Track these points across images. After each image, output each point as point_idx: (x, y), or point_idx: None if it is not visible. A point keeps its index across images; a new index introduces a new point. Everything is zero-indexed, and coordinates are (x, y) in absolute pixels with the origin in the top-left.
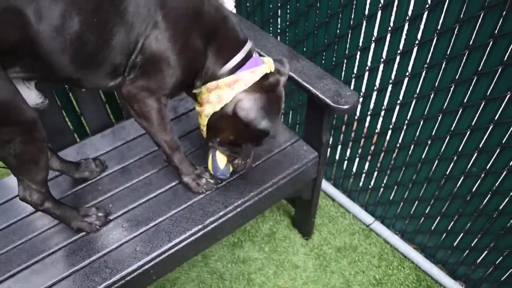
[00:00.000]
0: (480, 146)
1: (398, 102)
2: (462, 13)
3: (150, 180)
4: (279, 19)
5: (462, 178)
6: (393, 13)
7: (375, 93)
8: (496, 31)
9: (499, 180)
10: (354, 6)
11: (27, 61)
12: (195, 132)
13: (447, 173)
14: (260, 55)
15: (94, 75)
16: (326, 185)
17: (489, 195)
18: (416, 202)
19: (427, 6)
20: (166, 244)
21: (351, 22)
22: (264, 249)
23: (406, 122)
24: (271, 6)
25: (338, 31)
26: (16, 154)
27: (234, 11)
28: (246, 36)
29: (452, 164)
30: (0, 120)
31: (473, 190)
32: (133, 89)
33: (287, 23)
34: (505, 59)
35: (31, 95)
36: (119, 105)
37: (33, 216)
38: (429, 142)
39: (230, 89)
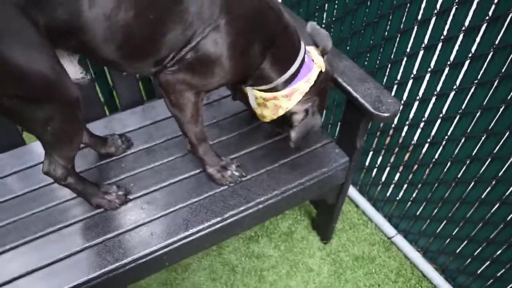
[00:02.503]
0: None
1: (441, 116)
2: None
3: (175, 164)
4: (325, 13)
5: (498, 204)
6: (449, 21)
7: (416, 103)
8: None
9: None
10: (407, 9)
11: (76, 43)
12: (226, 121)
13: (482, 196)
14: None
15: (139, 63)
16: (351, 190)
17: None
18: (444, 221)
19: (486, 18)
20: (182, 232)
21: (401, 26)
22: (280, 247)
23: (446, 137)
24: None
25: (386, 33)
26: (54, 132)
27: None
28: (300, 39)
29: (489, 188)
30: (44, 97)
31: (508, 218)
32: (173, 80)
33: (333, 19)
34: None
35: (74, 70)
36: (152, 84)
37: (54, 185)
38: (467, 162)
39: (287, 100)
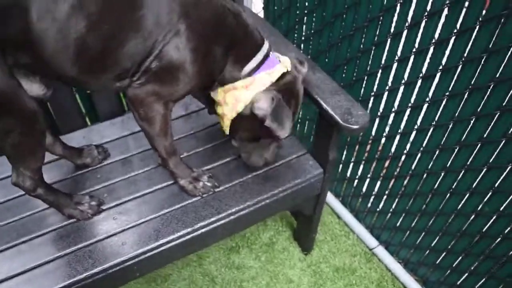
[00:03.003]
0: (496, 185)
1: (415, 127)
2: (491, 43)
3: (149, 175)
4: (304, 26)
5: (473, 216)
6: (419, 34)
7: (392, 115)
8: None
9: None
10: (380, 22)
11: (29, 58)
12: (202, 132)
13: (458, 208)
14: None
15: (100, 78)
16: (334, 202)
17: (500, 237)
18: (423, 233)
19: (455, 31)
20: (153, 243)
21: (375, 39)
22: (260, 258)
23: (421, 149)
24: (297, 12)
25: (361, 45)
26: (14, 145)
27: (262, 14)
28: (263, 37)
29: (464, 200)
30: (0, 110)
31: (483, 230)
32: (141, 93)
33: (312, 31)
34: None
35: (33, 87)
36: None
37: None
38: (442, 174)
39: (246, 90)
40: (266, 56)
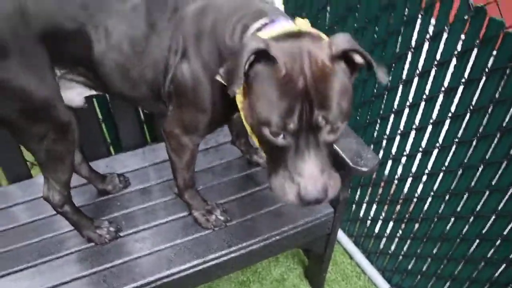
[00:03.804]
0: (505, 232)
1: (426, 172)
2: (498, 93)
3: (166, 205)
4: None
5: (483, 264)
6: (429, 82)
7: (404, 158)
8: None
9: None
10: (392, 69)
11: (83, 74)
12: (220, 167)
13: (468, 254)
14: None
15: (142, 95)
16: (346, 242)
17: (511, 285)
18: (434, 278)
19: (463, 80)
20: (164, 271)
21: (388, 84)
22: None
23: (432, 194)
24: None
25: (375, 90)
26: (47, 150)
27: None
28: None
29: (473, 247)
30: (38, 115)
31: (493, 277)
32: (170, 124)
33: None
34: None
35: (76, 98)
36: (155, 128)
37: (53, 217)
38: (452, 220)
39: None
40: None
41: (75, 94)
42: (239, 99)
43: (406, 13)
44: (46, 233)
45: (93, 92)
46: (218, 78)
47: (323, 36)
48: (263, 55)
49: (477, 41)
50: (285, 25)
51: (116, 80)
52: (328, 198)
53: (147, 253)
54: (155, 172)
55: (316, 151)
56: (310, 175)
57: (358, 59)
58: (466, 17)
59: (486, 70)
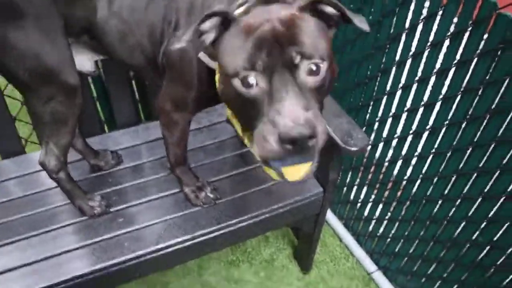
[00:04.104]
0: (490, 215)
1: (416, 154)
2: (488, 75)
3: (158, 182)
4: None
5: (468, 245)
6: (422, 64)
7: (395, 141)
8: None
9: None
10: (386, 50)
11: (90, 38)
12: (212, 146)
13: (454, 237)
14: None
15: (140, 65)
16: (336, 224)
17: (494, 267)
18: (420, 260)
19: (454, 62)
20: (153, 246)
21: (381, 66)
22: (259, 273)
23: (421, 176)
24: None
25: (368, 72)
26: (52, 111)
27: None
28: None
29: (460, 228)
30: (47, 78)
31: (477, 260)
32: (162, 100)
33: None
34: None
35: (88, 64)
36: (150, 106)
37: (46, 192)
38: (440, 202)
39: None
40: None
41: (85, 58)
42: (217, 78)
43: None
44: (38, 207)
45: (101, 57)
46: (201, 56)
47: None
48: (229, 23)
49: (470, 22)
50: None
51: (117, 47)
52: (316, 135)
53: (136, 227)
54: (147, 150)
55: (296, 91)
56: (291, 111)
57: (330, 10)
58: None
59: (478, 52)
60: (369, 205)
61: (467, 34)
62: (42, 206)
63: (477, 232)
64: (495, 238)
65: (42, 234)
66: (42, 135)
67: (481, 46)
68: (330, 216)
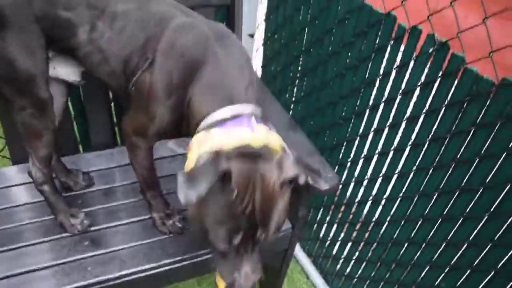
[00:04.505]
0: (453, 262)
1: (384, 197)
2: (455, 125)
3: (127, 207)
4: (295, 89)
5: None
6: (394, 110)
7: (365, 182)
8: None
9: None
10: (361, 95)
11: (70, 52)
12: None
13: (418, 281)
14: None
15: (116, 87)
16: (305, 261)
17: None
18: None
19: (424, 110)
20: (116, 272)
21: (356, 108)
22: None
23: (388, 218)
24: (291, 75)
25: (343, 113)
26: (24, 123)
27: (260, 72)
28: (250, 97)
29: (424, 273)
30: (20, 87)
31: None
32: (125, 123)
33: (302, 95)
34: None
35: (74, 73)
36: None
37: (16, 208)
38: (405, 245)
39: (197, 149)
40: (241, 116)
41: (71, 68)
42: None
43: (377, 42)
44: (4, 224)
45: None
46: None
47: (277, 143)
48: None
49: (440, 74)
50: (244, 134)
51: (94, 70)
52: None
53: (101, 252)
54: (120, 173)
55: (252, 255)
56: (246, 276)
57: (301, 180)
58: (430, 50)
59: (446, 102)
60: (338, 244)
61: (436, 85)
62: (9, 223)
63: (440, 277)
64: (457, 284)
65: (6, 252)
66: (25, 146)
67: (449, 97)
68: (299, 252)
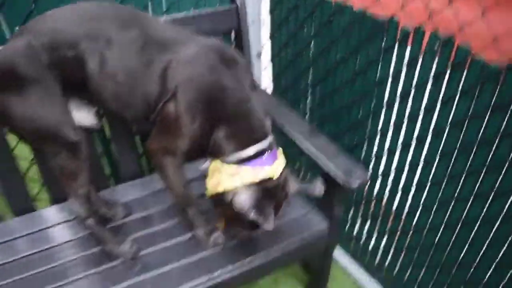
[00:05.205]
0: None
1: (413, 185)
2: (471, 108)
3: (166, 229)
4: (308, 99)
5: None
6: (409, 103)
7: (392, 174)
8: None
9: None
10: (375, 95)
11: (84, 94)
12: None
13: (459, 259)
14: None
15: (133, 118)
16: (344, 259)
17: None
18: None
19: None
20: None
21: (371, 109)
22: None
23: (420, 206)
24: (302, 86)
25: (359, 116)
26: (60, 165)
27: (271, 86)
28: (267, 132)
29: (463, 253)
30: (49, 138)
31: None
32: (152, 144)
33: (316, 103)
34: None
35: (88, 117)
36: None
37: (57, 248)
38: (441, 229)
39: (229, 178)
40: (262, 152)
41: (85, 113)
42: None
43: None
44: (49, 263)
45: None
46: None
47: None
48: None
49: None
50: (267, 169)
51: (109, 104)
52: None
53: (151, 275)
54: (154, 200)
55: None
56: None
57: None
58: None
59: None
60: (374, 237)
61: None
62: (53, 262)
63: (479, 256)
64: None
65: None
66: (63, 187)
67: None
68: (337, 251)
